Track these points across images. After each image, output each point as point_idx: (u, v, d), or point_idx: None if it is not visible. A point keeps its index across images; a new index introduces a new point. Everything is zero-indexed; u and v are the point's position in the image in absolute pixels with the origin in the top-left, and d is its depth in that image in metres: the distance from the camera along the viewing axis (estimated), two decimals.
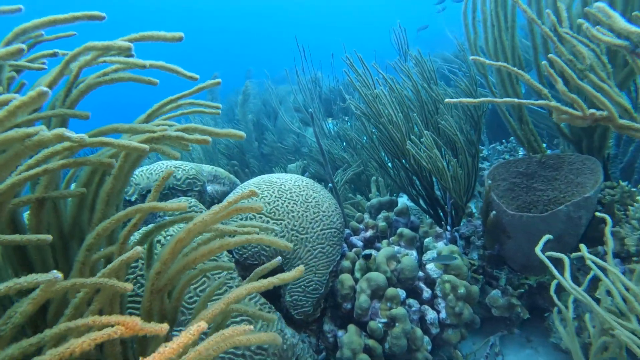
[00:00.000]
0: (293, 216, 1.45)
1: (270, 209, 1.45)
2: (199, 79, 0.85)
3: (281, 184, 1.54)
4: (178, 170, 1.67)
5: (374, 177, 2.12)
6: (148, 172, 1.64)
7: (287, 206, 1.47)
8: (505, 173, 1.76)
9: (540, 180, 1.77)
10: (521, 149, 3.12)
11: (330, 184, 1.84)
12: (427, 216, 2.15)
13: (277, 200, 1.47)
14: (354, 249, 1.64)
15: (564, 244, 1.52)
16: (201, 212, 1.50)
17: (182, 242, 0.65)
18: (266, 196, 1.49)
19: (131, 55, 0.75)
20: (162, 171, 1.65)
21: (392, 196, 2.79)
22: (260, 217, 1.43)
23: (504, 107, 1.85)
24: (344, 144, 3.19)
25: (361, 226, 1.75)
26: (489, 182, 1.58)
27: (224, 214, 0.67)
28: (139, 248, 0.55)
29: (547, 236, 1.13)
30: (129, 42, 0.68)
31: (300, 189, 1.55)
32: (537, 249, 1.09)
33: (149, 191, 1.61)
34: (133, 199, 1.57)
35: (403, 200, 2.22)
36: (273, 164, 3.20)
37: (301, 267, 0.67)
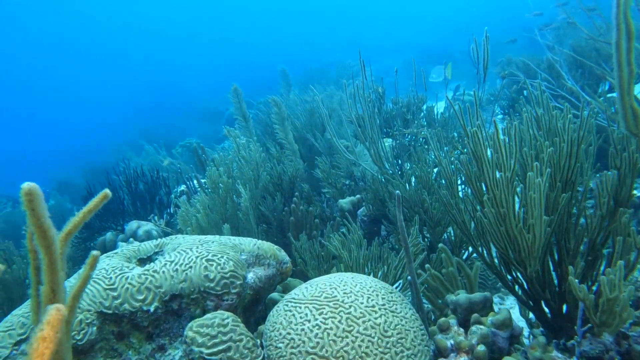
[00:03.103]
0: None
1: (337, 352, 1.03)
2: None
3: (350, 306, 1.11)
4: (212, 266, 1.27)
5: (452, 269, 1.63)
6: (172, 269, 1.25)
7: (359, 346, 1.04)
8: None
9: None
10: None
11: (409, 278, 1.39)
12: (522, 305, 1.66)
13: (346, 338, 1.05)
14: None
15: None
16: (240, 338, 1.11)
17: None
18: (330, 328, 1.06)
19: None
20: (191, 266, 1.26)
21: (460, 247, 2.31)
22: None
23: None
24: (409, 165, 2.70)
25: (449, 342, 1.31)
26: None
27: None
28: None
29: None
30: None
31: (375, 312, 1.11)
32: None
33: (174, 296, 1.23)
34: (152, 308, 1.20)
35: (501, 304, 1.75)
36: (323, 187, 2.79)
37: None
